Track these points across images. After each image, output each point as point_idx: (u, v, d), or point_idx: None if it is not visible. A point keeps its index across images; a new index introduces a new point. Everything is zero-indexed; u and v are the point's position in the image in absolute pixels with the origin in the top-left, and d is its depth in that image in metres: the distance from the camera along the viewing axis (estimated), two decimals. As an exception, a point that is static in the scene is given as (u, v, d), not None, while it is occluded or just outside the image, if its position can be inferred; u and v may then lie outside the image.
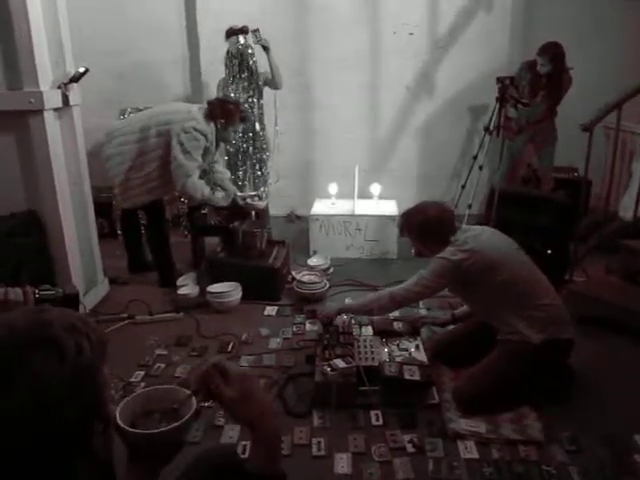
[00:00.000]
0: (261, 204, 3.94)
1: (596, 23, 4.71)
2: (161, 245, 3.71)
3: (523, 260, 2.44)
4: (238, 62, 4.08)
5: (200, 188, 3.39)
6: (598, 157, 3.87)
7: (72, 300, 1.37)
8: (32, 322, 0.77)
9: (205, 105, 3.50)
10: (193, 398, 1.01)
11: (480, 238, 2.43)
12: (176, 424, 0.95)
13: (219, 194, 3.69)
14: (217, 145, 3.62)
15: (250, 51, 4.08)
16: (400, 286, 2.54)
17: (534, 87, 4.27)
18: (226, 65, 4.10)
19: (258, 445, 1.03)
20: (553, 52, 4.06)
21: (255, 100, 4.19)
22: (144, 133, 3.36)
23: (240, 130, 3.93)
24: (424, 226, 2.50)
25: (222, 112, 3.45)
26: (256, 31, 4.03)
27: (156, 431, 0.95)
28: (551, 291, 2.41)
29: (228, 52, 4.08)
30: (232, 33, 4.04)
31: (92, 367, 0.78)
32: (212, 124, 3.43)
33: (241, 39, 4.04)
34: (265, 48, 4.08)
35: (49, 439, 0.72)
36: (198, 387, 1.01)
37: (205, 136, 3.35)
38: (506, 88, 4.30)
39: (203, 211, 4.08)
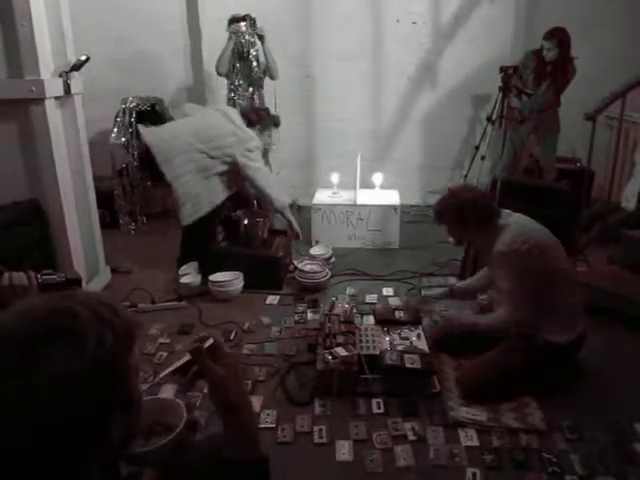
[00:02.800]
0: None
1: (599, 13, 4.67)
2: (204, 235, 3.58)
3: (561, 248, 2.39)
4: (239, 50, 4.07)
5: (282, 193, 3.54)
6: (601, 147, 3.85)
7: (74, 285, 1.36)
8: (51, 312, 0.71)
9: (238, 114, 3.53)
10: (183, 408, 1.00)
11: (529, 225, 2.37)
12: (159, 444, 0.93)
13: None
14: None
15: (252, 39, 4.07)
16: (498, 317, 2.40)
17: (538, 76, 4.23)
18: (227, 52, 4.09)
19: (236, 430, 0.98)
20: (560, 36, 4.01)
21: (256, 89, 4.18)
22: (200, 155, 3.33)
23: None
24: (459, 209, 2.36)
25: (258, 119, 3.55)
26: (252, 20, 4.04)
27: (140, 451, 0.92)
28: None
29: (229, 40, 4.07)
30: (234, 21, 4.04)
31: (113, 359, 0.72)
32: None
33: (243, 27, 4.03)
34: (260, 37, 4.07)
35: (60, 436, 0.68)
36: (191, 359, 0.97)
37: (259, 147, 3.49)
38: (509, 77, 4.27)
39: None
